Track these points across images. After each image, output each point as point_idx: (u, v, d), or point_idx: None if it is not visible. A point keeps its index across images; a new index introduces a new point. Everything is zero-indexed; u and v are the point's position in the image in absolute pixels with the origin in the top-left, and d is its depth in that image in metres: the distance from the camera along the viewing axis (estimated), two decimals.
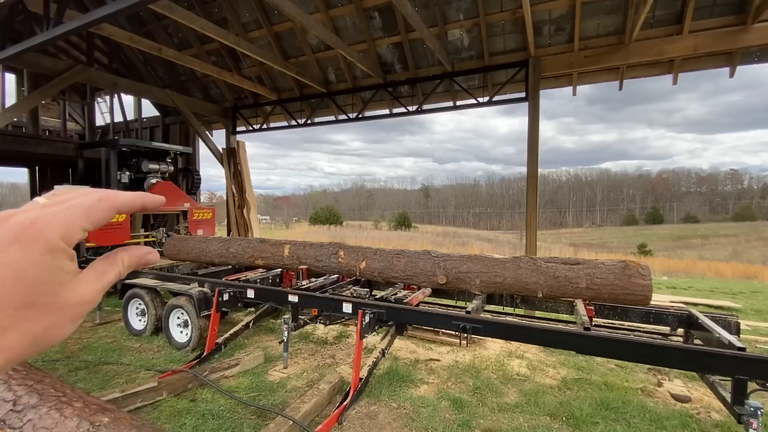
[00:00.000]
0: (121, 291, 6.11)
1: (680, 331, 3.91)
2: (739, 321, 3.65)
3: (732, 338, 3.05)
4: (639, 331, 4.07)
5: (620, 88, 7.40)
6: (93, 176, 9.45)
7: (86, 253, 7.36)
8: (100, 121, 13.24)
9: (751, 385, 2.77)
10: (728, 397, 2.89)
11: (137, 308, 5.89)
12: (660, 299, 7.95)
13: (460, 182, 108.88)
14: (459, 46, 7.81)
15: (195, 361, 4.62)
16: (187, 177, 10.53)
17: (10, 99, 10.62)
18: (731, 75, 6.67)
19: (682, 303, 8.16)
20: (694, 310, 3.84)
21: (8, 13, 5.85)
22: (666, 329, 4.00)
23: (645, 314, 3.91)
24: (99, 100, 13.17)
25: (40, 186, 13.04)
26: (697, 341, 3.71)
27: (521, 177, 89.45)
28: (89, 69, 8.34)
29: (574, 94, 7.82)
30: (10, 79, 11.15)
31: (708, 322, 3.49)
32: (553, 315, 4.57)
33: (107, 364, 4.78)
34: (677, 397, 4.13)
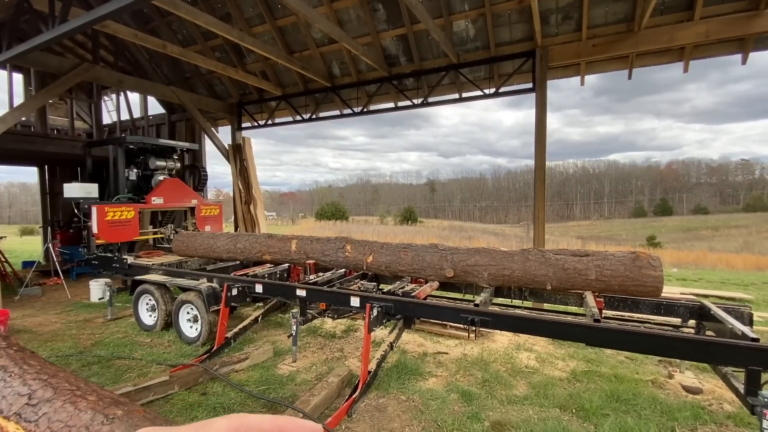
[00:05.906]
0: (131, 287, 6.20)
1: (691, 322, 3.87)
2: (752, 312, 3.60)
3: (745, 329, 3.01)
4: (649, 322, 4.03)
5: (629, 77, 7.28)
6: (101, 174, 9.52)
7: (96, 250, 7.44)
8: (107, 120, 13.32)
9: (765, 376, 2.75)
10: (741, 388, 2.87)
11: (147, 304, 5.96)
12: (670, 291, 7.87)
13: (466, 176, 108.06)
14: (464, 37, 7.72)
15: (205, 356, 4.67)
16: (194, 174, 10.57)
17: (18, 99, 10.72)
18: (743, 62, 6.53)
19: (693, 294, 8.06)
20: (705, 301, 3.80)
21: (14, 12, 5.88)
22: (677, 321, 3.96)
23: (655, 306, 3.87)
24: (105, 98, 13.25)
25: (50, 185, 13.19)
26: (709, 332, 3.67)
27: (527, 170, 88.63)
28: (95, 67, 8.37)
29: (582, 83, 7.70)
30: (18, 79, 11.25)
31: (720, 313, 3.45)
32: (561, 307, 4.55)
33: (119, 358, 4.86)
34: (689, 389, 4.10)
